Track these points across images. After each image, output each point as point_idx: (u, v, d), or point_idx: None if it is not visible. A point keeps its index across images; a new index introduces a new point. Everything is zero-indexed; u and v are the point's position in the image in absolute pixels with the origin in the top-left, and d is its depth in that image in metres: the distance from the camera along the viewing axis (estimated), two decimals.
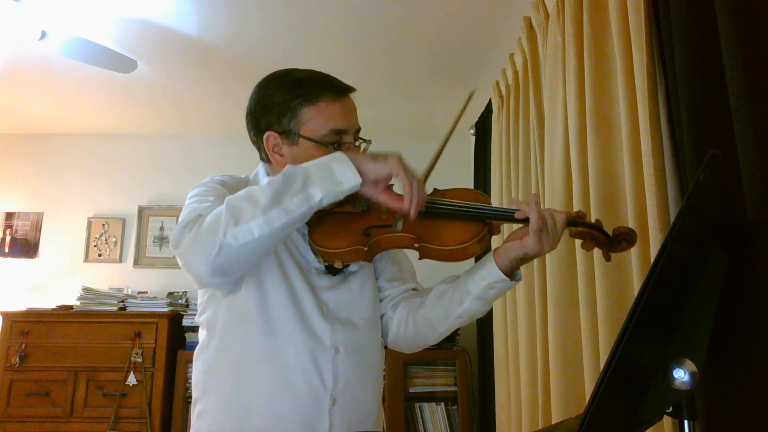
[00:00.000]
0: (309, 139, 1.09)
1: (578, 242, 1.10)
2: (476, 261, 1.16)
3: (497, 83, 2.85)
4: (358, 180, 0.94)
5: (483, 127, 3.29)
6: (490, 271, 1.08)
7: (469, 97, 1.21)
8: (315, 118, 1.09)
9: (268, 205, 0.92)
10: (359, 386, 1.14)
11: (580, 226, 1.06)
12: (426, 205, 1.07)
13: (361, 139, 1.15)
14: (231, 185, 1.15)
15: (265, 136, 1.13)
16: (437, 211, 1.07)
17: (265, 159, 1.17)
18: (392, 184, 1.16)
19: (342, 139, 1.10)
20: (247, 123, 1.18)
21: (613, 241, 1.06)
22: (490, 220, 1.08)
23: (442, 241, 1.05)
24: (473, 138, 3.48)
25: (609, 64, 1.59)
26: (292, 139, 1.10)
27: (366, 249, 1.07)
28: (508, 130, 2.64)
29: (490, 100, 3.07)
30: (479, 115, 3.34)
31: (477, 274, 1.10)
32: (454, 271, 1.17)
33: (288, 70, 1.17)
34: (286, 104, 1.10)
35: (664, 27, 1.27)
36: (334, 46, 2.68)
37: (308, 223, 1.13)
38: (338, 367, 1.10)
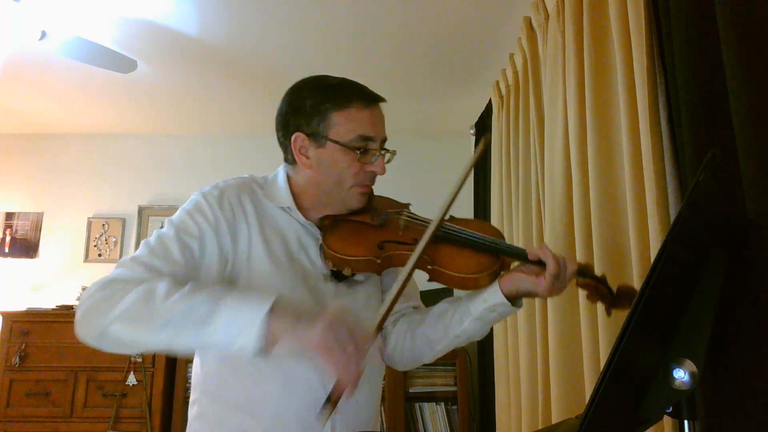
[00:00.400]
0: (336, 142, 1.10)
1: (583, 293, 1.11)
2: None
3: (497, 83, 2.85)
4: (254, 345, 0.86)
5: (483, 127, 3.29)
6: (492, 294, 1.08)
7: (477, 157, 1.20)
8: (344, 123, 1.10)
9: (156, 326, 0.91)
10: (361, 393, 1.11)
11: (588, 278, 1.07)
12: (444, 231, 1.09)
13: (385, 149, 1.15)
14: (230, 199, 1.12)
15: (293, 137, 1.13)
16: (454, 238, 1.09)
17: (291, 160, 1.17)
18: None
19: (368, 146, 1.11)
20: (277, 124, 1.18)
21: (616, 298, 1.07)
22: (503, 256, 1.09)
23: (456, 267, 1.06)
24: (473, 138, 3.48)
25: (609, 64, 1.59)
26: (319, 141, 1.11)
27: (378, 262, 1.07)
28: (508, 130, 2.64)
29: (490, 100, 3.07)
30: (479, 115, 3.34)
31: (479, 295, 1.11)
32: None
33: (321, 76, 1.18)
34: (317, 107, 1.11)
35: (664, 27, 1.27)
36: (334, 46, 2.68)
37: (323, 227, 1.14)
38: None
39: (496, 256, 1.08)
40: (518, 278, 1.07)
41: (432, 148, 3.80)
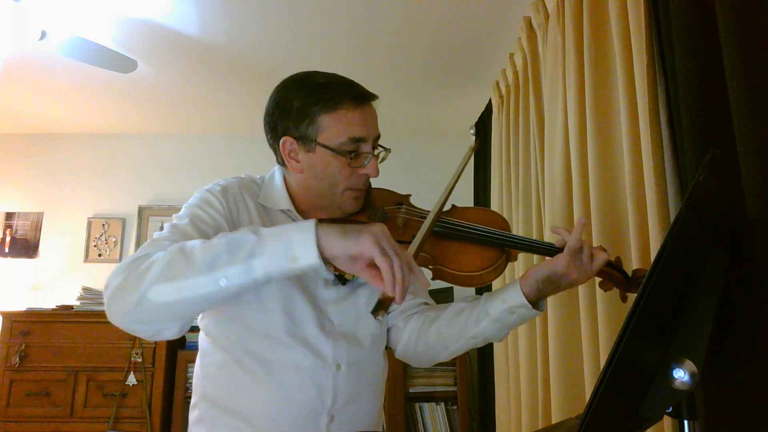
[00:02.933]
0: (326, 147, 1.06)
1: (597, 281, 1.08)
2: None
3: (497, 83, 2.85)
4: (316, 260, 0.84)
5: (483, 127, 3.29)
6: (513, 295, 1.04)
7: (471, 151, 1.18)
8: (333, 126, 1.05)
9: (201, 269, 0.85)
10: (360, 402, 1.11)
11: (606, 266, 1.04)
12: (444, 226, 1.05)
13: (380, 146, 1.11)
14: (234, 194, 1.11)
15: (281, 141, 1.09)
16: (454, 233, 1.05)
17: (281, 163, 1.14)
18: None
19: (360, 148, 1.07)
20: (265, 126, 1.14)
21: (631, 282, 1.04)
22: (509, 248, 1.05)
23: (458, 265, 1.03)
24: (473, 138, 3.47)
25: (609, 64, 1.59)
26: (308, 145, 1.07)
27: None
28: (508, 130, 2.64)
29: (490, 100, 3.07)
30: (479, 115, 3.34)
31: (499, 296, 1.07)
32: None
33: (310, 72, 1.13)
34: (305, 110, 1.06)
35: (664, 27, 1.27)
36: (334, 45, 2.68)
37: None
38: (339, 383, 1.08)
39: (500, 249, 1.04)
40: (536, 267, 1.03)
41: (432, 148, 3.80)
